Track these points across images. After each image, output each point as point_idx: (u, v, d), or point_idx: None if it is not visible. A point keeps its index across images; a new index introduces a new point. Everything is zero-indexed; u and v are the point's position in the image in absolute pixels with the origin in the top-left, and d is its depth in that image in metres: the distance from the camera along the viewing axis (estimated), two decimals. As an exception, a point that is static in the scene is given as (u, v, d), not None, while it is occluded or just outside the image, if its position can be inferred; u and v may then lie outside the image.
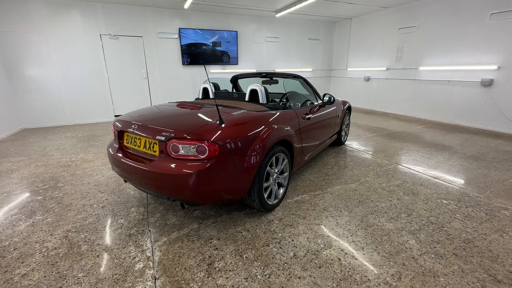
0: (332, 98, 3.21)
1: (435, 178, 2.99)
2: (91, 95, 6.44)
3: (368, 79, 7.91)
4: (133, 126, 2.03)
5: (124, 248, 1.88)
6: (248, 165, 1.92)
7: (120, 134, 2.21)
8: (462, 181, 2.89)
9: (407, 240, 1.92)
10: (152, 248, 1.88)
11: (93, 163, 3.60)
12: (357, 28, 8.09)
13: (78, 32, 5.97)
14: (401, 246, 1.87)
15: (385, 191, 2.69)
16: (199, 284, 1.55)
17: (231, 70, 7.79)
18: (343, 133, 4.19)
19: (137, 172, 1.93)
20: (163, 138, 1.82)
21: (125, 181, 2.39)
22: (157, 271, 1.66)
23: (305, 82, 3.24)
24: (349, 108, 4.29)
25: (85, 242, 1.95)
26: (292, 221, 2.18)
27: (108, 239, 1.98)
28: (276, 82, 3.46)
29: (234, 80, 3.88)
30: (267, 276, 1.61)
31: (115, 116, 6.80)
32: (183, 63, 7.13)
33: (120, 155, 2.11)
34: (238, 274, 1.63)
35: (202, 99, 3.16)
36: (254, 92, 2.66)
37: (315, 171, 3.23)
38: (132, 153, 2.10)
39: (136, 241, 1.96)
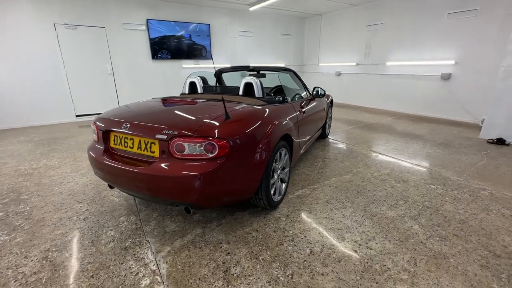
0: (322, 91, 3.22)
1: (417, 165, 3.20)
2: (46, 93, 5.66)
3: (339, 74, 8.22)
4: (124, 124, 1.78)
5: (122, 263, 1.66)
6: (257, 162, 1.82)
7: (105, 135, 1.93)
8: (441, 167, 3.13)
9: (411, 226, 2.00)
10: (155, 260, 1.68)
11: (61, 170, 3.15)
12: (327, 24, 8.33)
13: (27, 20, 5.18)
14: (408, 232, 1.93)
15: (378, 180, 2.79)
16: (220, 294, 1.42)
17: (204, 65, 7.48)
18: (327, 126, 4.28)
19: (130, 176, 1.71)
20: (164, 137, 1.62)
21: (111, 187, 2.12)
22: (167, 286, 1.48)
23: (294, 75, 3.21)
24: (332, 101, 4.38)
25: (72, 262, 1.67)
26: (299, 216, 2.14)
27: (100, 256, 1.72)
28: (264, 76, 3.37)
29: (218, 74, 3.69)
30: (290, 276, 1.54)
31: (77, 115, 6.10)
32: (153, 57, 6.64)
33: (107, 158, 1.85)
34: (259, 278, 1.53)
35: (189, 94, 2.94)
36: (249, 86, 2.53)
37: (308, 165, 3.23)
38: (122, 155, 1.85)
39: (134, 254, 1.74)
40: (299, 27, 9.08)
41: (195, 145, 1.59)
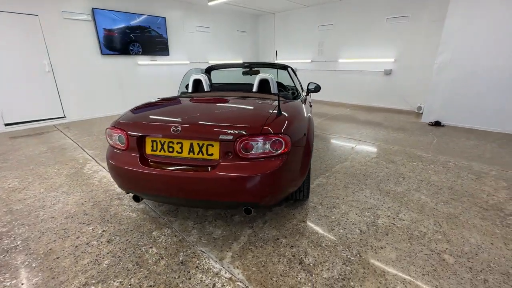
0: (318, 86, 3.43)
1: (394, 147, 3.76)
2: (-42, 97, 4.37)
3: (296, 70, 8.73)
4: (173, 128, 1.60)
5: (190, 278, 1.52)
6: (307, 154, 1.90)
7: (139, 141, 1.69)
8: (411, 147, 3.77)
9: (420, 197, 2.40)
10: (224, 267, 1.60)
11: (30, 191, 2.56)
12: (281, 23, 8.72)
13: None
14: (420, 202, 2.32)
15: (373, 163, 3.19)
16: (310, 285, 1.47)
17: (162, 62, 6.93)
18: (308, 119, 4.58)
19: (187, 183, 1.57)
20: (230, 137, 1.54)
21: (137, 200, 1.88)
22: (254, 289, 1.45)
23: (292, 71, 3.34)
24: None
25: (131, 289, 1.45)
26: (331, 203, 2.31)
27: (158, 276, 1.54)
28: (258, 72, 3.40)
29: (208, 71, 3.55)
30: (358, 255, 1.69)
31: (6, 124, 4.89)
32: (103, 52, 5.81)
33: (146, 166, 1.64)
34: (334, 262, 1.63)
35: (192, 92, 2.76)
36: (263, 82, 2.55)
37: (307, 156, 3.43)
38: (167, 162, 1.67)
39: (197, 266, 1.61)
40: (253, 24, 9.23)
41: (262, 143, 1.57)
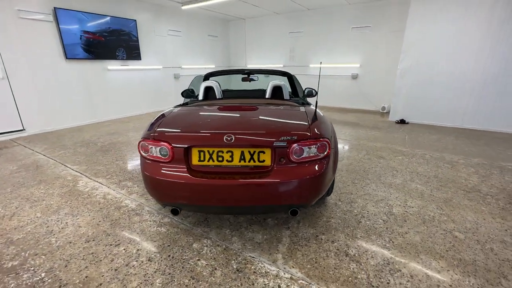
0: (315, 92, 3.65)
1: (377, 144, 4.20)
2: None
3: (268, 76, 9.00)
4: (226, 137, 1.61)
5: (253, 284, 1.55)
6: (336, 155, 2.06)
7: (185, 152, 1.66)
8: (391, 143, 4.25)
9: (416, 187, 2.77)
10: (281, 269, 1.67)
11: (22, 216, 2.25)
12: (252, 28, 8.92)
13: None
14: (418, 190, 2.68)
15: (366, 160, 3.54)
16: (366, 272, 1.63)
17: (134, 67, 6.53)
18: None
19: (243, 191, 1.61)
20: (284, 144, 1.61)
21: (176, 213, 1.82)
22: (318, 283, 1.55)
23: (292, 78, 3.50)
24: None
25: (200, 304, 1.42)
26: (348, 198, 2.53)
27: (220, 287, 1.53)
28: (256, 79, 3.51)
29: (207, 78, 3.51)
30: (390, 242, 1.91)
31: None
32: (68, 56, 5.24)
33: (197, 177, 1.63)
34: (375, 250, 1.82)
35: (203, 100, 2.73)
36: (276, 89, 2.66)
37: (307, 157, 3.64)
38: (212, 172, 1.67)
39: (254, 272, 1.65)
40: (224, 29, 9.26)
41: (311, 147, 1.68)
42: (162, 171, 1.69)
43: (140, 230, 2.06)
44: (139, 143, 1.78)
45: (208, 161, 1.67)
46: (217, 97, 2.73)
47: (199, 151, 1.67)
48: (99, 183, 2.91)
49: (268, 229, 2.07)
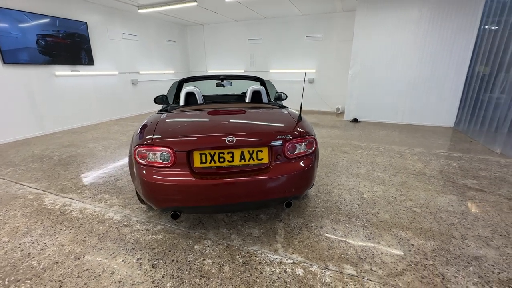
0: (285, 95, 3.92)
1: (339, 141, 4.69)
2: None
3: (231, 83, 9.14)
4: (228, 139, 1.71)
5: (261, 273, 1.69)
6: (318, 151, 2.32)
7: (187, 156, 1.71)
8: (350, 140, 4.78)
9: (378, 175, 3.23)
10: (282, 256, 1.83)
11: (15, 233, 1.97)
12: (211, 34, 8.97)
13: None
14: (380, 177, 3.13)
15: (332, 155, 3.95)
16: (354, 248, 1.90)
17: (85, 72, 6.01)
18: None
19: (246, 188, 1.75)
20: (280, 142, 1.79)
21: (176, 217, 1.85)
22: (317, 263, 1.75)
23: (264, 83, 3.70)
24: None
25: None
26: (326, 189, 2.83)
27: (231, 280, 1.63)
28: (230, 84, 3.65)
29: (181, 84, 3.50)
30: (368, 221, 2.24)
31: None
32: (6, 61, 4.59)
33: (200, 179, 1.70)
34: (356, 230, 2.12)
35: (185, 105, 2.74)
36: (255, 93, 2.84)
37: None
38: (214, 172, 1.76)
39: (260, 262, 1.78)
40: (182, 34, 9.11)
41: (301, 144, 1.89)
42: (164, 175, 1.70)
43: (134, 240, 2.00)
44: (135, 150, 1.76)
45: (210, 162, 1.75)
46: (199, 102, 2.79)
47: (201, 154, 1.74)
48: (70, 198, 2.68)
49: (263, 223, 2.22)
